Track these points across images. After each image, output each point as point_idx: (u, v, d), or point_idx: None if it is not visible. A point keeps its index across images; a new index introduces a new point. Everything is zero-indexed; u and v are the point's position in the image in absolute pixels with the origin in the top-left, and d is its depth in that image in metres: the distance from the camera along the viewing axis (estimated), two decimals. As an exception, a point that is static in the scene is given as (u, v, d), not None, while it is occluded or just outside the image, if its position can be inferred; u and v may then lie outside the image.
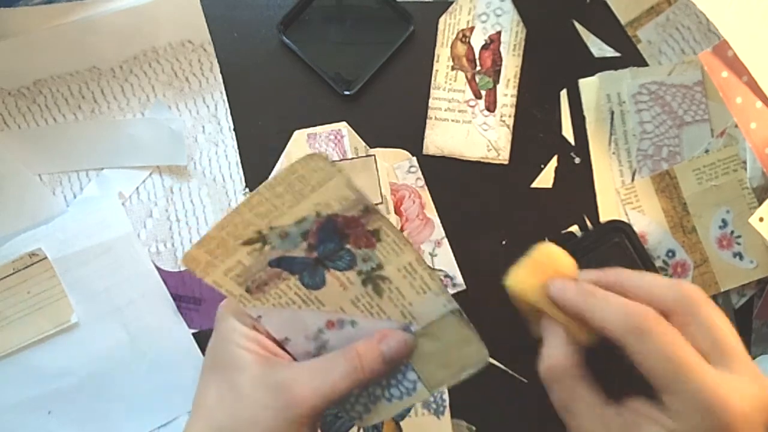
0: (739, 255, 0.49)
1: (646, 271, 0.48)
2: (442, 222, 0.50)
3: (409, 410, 0.49)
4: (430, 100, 0.51)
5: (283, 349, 0.35)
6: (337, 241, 0.33)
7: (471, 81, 0.51)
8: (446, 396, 0.49)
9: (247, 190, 0.50)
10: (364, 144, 0.50)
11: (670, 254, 0.50)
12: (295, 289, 0.34)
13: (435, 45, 0.51)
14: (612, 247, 0.48)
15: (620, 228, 0.48)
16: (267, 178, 0.50)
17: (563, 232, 0.51)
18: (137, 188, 0.50)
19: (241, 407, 0.33)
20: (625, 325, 0.29)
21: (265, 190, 0.31)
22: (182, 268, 0.49)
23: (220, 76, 0.50)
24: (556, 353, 0.32)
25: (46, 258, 0.47)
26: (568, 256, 0.34)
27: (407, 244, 0.33)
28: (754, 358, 0.50)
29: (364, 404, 0.37)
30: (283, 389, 0.32)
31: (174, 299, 0.49)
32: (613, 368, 0.30)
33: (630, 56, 0.51)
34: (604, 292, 0.32)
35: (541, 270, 0.34)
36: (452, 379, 0.36)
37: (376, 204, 0.49)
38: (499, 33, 0.51)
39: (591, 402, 0.31)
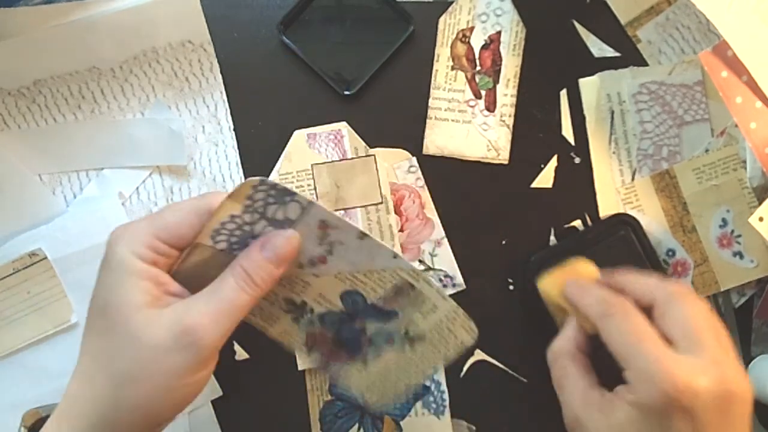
0: (739, 254, 0.49)
1: (650, 265, 0.48)
2: (442, 222, 0.50)
3: (409, 410, 0.49)
4: (430, 100, 0.51)
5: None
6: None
7: (471, 81, 0.51)
8: (446, 396, 0.49)
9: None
10: (364, 144, 0.50)
11: (670, 254, 0.50)
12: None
13: (435, 45, 0.51)
14: (617, 240, 0.48)
15: (626, 221, 0.48)
16: (267, 178, 0.50)
17: (566, 226, 0.51)
18: (137, 188, 0.50)
19: (141, 352, 0.31)
20: (599, 311, 0.35)
21: None
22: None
23: (220, 76, 0.50)
24: (561, 338, 0.37)
25: (46, 258, 0.47)
26: (593, 267, 0.41)
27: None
28: (753, 357, 0.50)
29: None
30: (183, 327, 0.31)
31: (174, 299, 0.49)
32: (611, 361, 0.34)
33: (630, 56, 0.51)
34: (593, 286, 0.37)
35: (567, 274, 0.40)
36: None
37: (377, 204, 0.49)
38: (499, 33, 0.51)
39: (580, 381, 0.35)
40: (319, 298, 0.37)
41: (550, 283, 0.41)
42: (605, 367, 0.35)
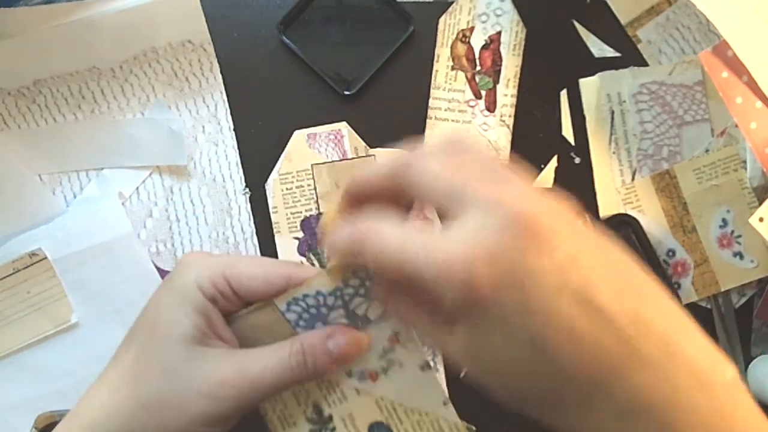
0: (739, 254, 0.49)
1: (650, 265, 0.48)
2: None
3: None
4: (430, 100, 0.51)
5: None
6: None
7: (471, 81, 0.51)
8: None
9: (248, 190, 0.50)
10: (364, 144, 0.50)
11: (671, 254, 0.50)
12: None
13: (435, 45, 0.51)
14: (618, 240, 0.48)
15: (627, 222, 0.48)
16: (267, 178, 0.50)
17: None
18: (137, 188, 0.50)
19: (174, 386, 0.30)
20: (350, 250, 0.27)
21: None
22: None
23: (220, 76, 0.50)
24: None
25: (46, 258, 0.47)
26: (337, 208, 0.32)
27: None
28: (753, 357, 0.50)
29: None
30: (222, 378, 0.30)
31: (174, 299, 0.49)
32: None
33: (630, 56, 0.51)
34: (336, 230, 0.28)
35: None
36: None
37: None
38: (499, 33, 0.51)
39: (424, 322, 0.28)
40: (347, 419, 0.34)
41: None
42: None
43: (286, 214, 0.50)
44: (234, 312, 0.33)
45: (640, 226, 0.48)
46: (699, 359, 0.24)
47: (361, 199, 0.29)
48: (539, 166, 0.51)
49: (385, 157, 0.26)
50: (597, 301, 0.23)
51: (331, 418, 0.34)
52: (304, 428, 0.34)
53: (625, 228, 0.48)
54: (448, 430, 0.33)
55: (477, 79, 0.51)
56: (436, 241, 0.24)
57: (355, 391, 0.34)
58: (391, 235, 0.25)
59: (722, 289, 0.49)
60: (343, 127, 0.50)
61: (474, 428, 0.50)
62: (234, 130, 0.50)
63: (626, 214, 0.49)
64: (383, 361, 0.33)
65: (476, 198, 0.24)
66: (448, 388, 0.49)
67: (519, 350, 0.24)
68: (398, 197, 0.28)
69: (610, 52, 0.51)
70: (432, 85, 0.51)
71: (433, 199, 0.26)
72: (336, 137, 0.50)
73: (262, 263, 0.33)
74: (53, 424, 0.33)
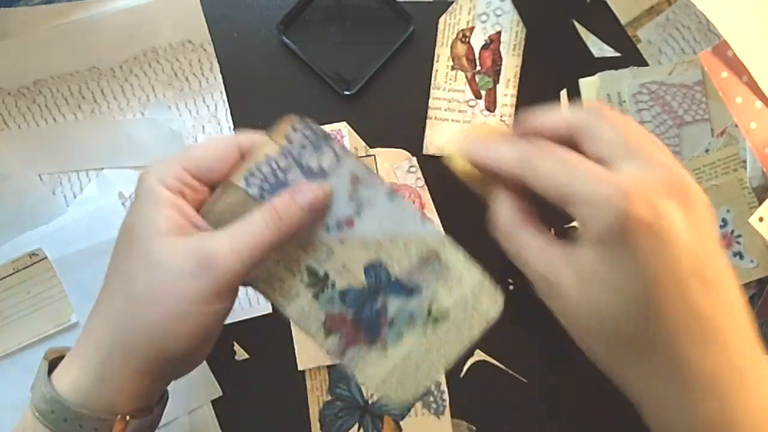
0: (739, 254, 0.49)
1: None
2: (442, 222, 0.50)
3: (409, 410, 0.49)
4: (430, 100, 0.51)
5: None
6: None
7: (471, 81, 0.51)
8: (446, 396, 0.49)
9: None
10: (364, 144, 0.50)
11: (670, 254, 0.50)
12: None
13: (435, 45, 0.51)
14: None
15: None
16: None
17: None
18: (137, 188, 0.50)
19: (158, 274, 0.32)
20: (516, 160, 0.30)
21: None
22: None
23: (220, 76, 0.50)
24: (499, 210, 0.33)
25: (46, 258, 0.47)
26: (500, 126, 0.35)
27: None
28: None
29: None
30: (201, 256, 0.31)
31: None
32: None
33: (630, 56, 0.51)
34: (500, 140, 0.32)
35: (474, 140, 0.34)
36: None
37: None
38: (499, 33, 0.51)
39: (536, 244, 0.31)
40: (343, 270, 0.36)
41: (459, 155, 0.35)
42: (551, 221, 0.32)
43: (286, 214, 0.50)
44: (204, 202, 0.34)
45: None
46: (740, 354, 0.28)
47: (529, 132, 0.32)
48: (539, 166, 0.51)
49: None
50: (711, 282, 0.27)
51: (327, 275, 0.36)
52: (307, 294, 0.36)
53: None
54: (433, 244, 0.35)
55: (477, 79, 0.51)
56: (604, 171, 0.28)
57: (339, 242, 0.35)
58: (563, 155, 0.29)
59: (722, 289, 0.49)
60: (343, 127, 0.50)
61: (474, 428, 0.50)
62: (234, 130, 0.50)
63: None
64: (353, 205, 0.34)
65: (644, 155, 0.28)
66: (448, 389, 0.49)
67: (631, 288, 0.27)
68: (566, 143, 0.31)
69: (610, 52, 0.51)
70: (432, 85, 0.51)
71: (607, 147, 0.29)
72: (336, 137, 0.50)
73: (213, 144, 0.35)
74: (62, 357, 0.35)
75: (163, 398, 0.37)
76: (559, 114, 0.31)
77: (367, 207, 0.35)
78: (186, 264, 0.31)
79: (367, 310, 0.36)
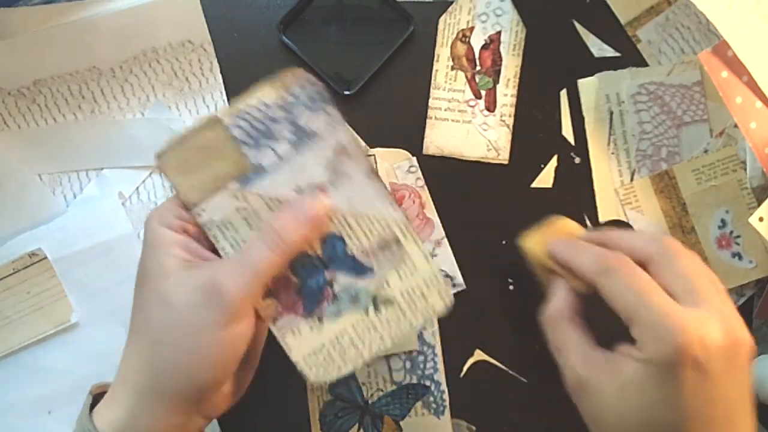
0: (738, 255, 0.49)
1: None
2: (442, 222, 0.50)
3: (409, 410, 0.49)
4: (430, 100, 0.51)
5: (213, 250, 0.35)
6: None
7: (471, 81, 0.51)
8: (446, 396, 0.49)
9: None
10: (364, 144, 0.50)
11: (670, 254, 0.50)
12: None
13: (435, 45, 0.51)
14: None
15: (620, 228, 0.49)
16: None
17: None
18: (137, 188, 0.50)
19: (172, 314, 0.32)
20: (596, 267, 0.34)
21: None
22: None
23: (220, 76, 0.50)
24: (555, 301, 0.36)
25: (46, 258, 0.47)
26: (578, 225, 0.40)
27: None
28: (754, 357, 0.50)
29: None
30: (208, 286, 0.32)
31: (174, 299, 0.49)
32: (609, 320, 0.33)
33: (630, 56, 0.51)
34: (586, 244, 0.36)
35: (551, 234, 0.39)
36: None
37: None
38: (499, 33, 0.51)
39: (579, 343, 0.35)
40: None
41: (535, 243, 0.39)
42: (598, 327, 0.35)
43: (286, 214, 0.50)
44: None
45: None
46: None
47: (603, 244, 0.36)
48: (539, 166, 0.51)
49: (627, 234, 0.37)
50: (734, 427, 0.32)
51: None
52: None
53: None
54: (397, 230, 0.35)
55: (477, 79, 0.51)
56: (671, 307, 0.31)
57: None
58: (639, 281, 0.32)
59: (721, 289, 0.50)
60: (343, 127, 0.50)
61: (474, 428, 0.50)
62: (234, 130, 0.50)
63: (620, 221, 0.49)
64: (330, 172, 0.34)
65: (707, 302, 0.32)
66: (448, 389, 0.49)
67: (668, 407, 0.31)
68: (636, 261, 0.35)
69: (609, 52, 0.51)
70: (432, 85, 0.51)
71: (675, 286, 0.32)
72: (336, 137, 0.50)
73: None
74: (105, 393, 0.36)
75: None
76: (636, 239, 0.35)
77: (344, 179, 0.34)
78: (195, 296, 0.32)
79: (313, 282, 0.35)
